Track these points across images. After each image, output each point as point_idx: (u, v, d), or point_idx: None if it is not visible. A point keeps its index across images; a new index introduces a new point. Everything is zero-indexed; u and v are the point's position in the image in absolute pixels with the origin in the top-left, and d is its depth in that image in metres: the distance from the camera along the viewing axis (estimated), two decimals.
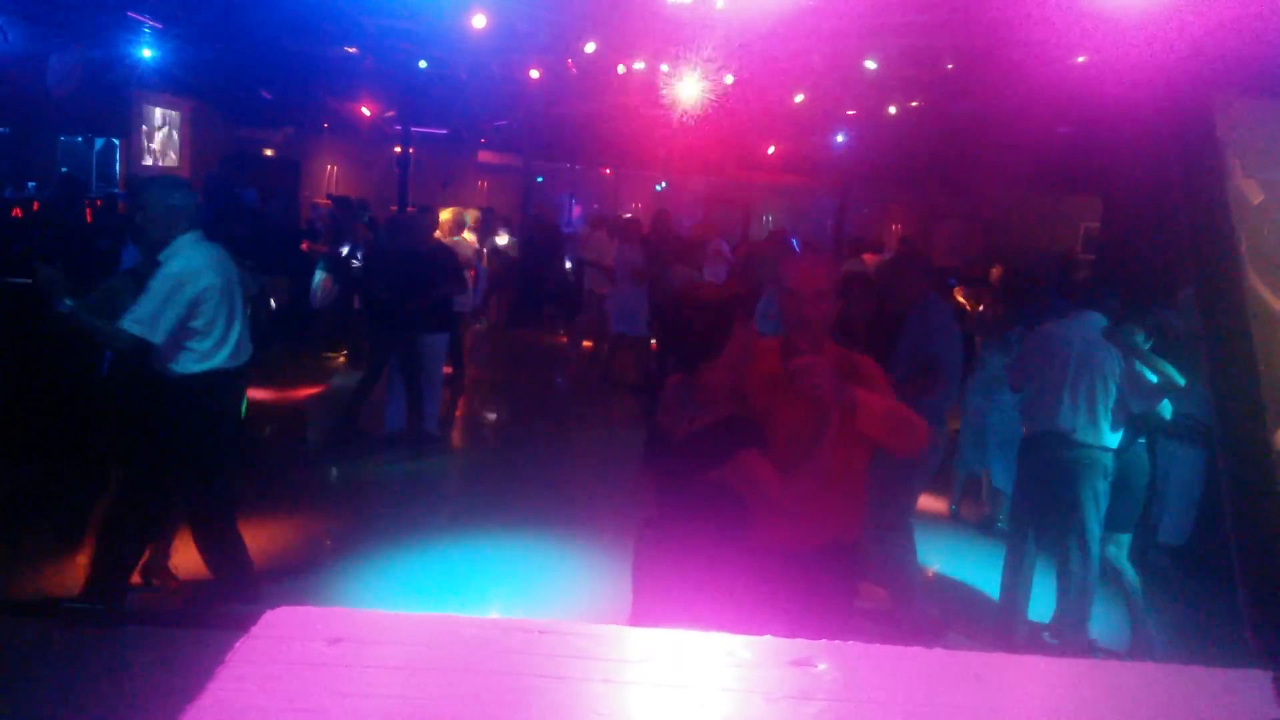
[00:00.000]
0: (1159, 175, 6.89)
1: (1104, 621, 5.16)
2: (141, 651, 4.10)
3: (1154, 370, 4.63)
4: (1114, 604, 5.16)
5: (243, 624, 1.77)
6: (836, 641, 1.87)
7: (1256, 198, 3.89)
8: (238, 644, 1.69)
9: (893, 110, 14.12)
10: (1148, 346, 4.72)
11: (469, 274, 10.16)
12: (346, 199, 12.54)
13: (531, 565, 5.58)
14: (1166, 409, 4.73)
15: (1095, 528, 4.80)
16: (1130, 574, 4.95)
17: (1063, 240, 17.22)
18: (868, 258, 11.00)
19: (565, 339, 13.87)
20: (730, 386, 2.86)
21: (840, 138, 17.75)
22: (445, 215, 10.13)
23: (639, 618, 2.87)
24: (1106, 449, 4.79)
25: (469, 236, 10.76)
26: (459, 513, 6.47)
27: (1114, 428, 4.80)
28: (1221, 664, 1.92)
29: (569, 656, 1.75)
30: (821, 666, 1.77)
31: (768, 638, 1.88)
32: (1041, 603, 5.16)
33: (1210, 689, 1.85)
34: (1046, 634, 5.08)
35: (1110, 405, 4.76)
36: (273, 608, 1.83)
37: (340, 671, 1.64)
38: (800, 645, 1.85)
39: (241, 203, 14.66)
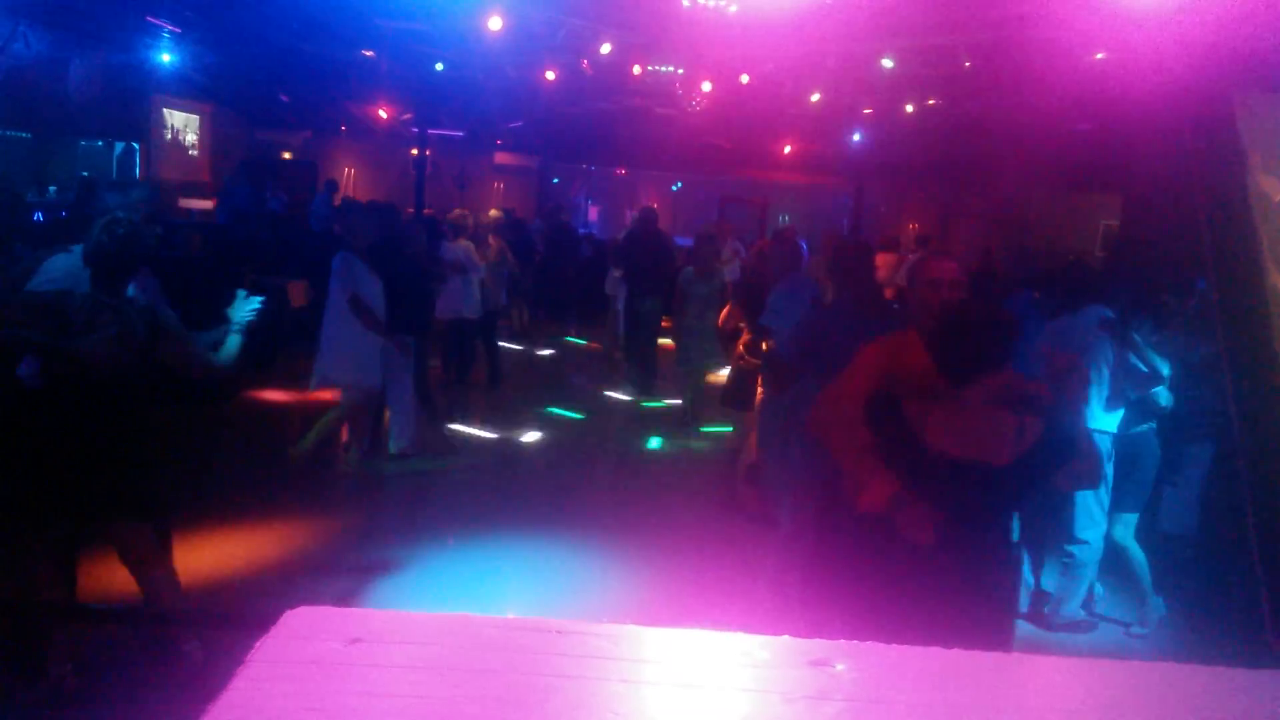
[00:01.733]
0: (1179, 172, 6.84)
1: (1113, 598, 5.33)
2: (161, 651, 4.12)
3: (1144, 361, 4.82)
4: (1123, 581, 5.27)
5: (262, 624, 1.77)
6: (854, 641, 1.86)
7: (1278, 194, 3.86)
8: (257, 644, 1.70)
9: (910, 109, 14.06)
10: (1155, 336, 4.92)
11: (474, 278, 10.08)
12: (357, 202, 12.56)
13: (549, 566, 5.58)
14: (1163, 395, 4.90)
15: (1095, 508, 4.96)
16: (1136, 552, 5.12)
17: (1083, 237, 17.09)
18: (883, 257, 10.91)
19: (599, 345, 13.77)
20: (997, 394, 2.80)
21: (857, 137, 17.70)
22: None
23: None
24: (1104, 432, 4.94)
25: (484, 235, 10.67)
26: (477, 514, 6.48)
27: (1109, 410, 4.97)
28: (1236, 662, 1.90)
29: (586, 656, 1.75)
30: (839, 667, 1.76)
31: (785, 638, 1.87)
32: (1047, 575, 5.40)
33: (1230, 689, 1.83)
34: (1050, 611, 5.19)
35: (1105, 392, 4.94)
36: (292, 607, 1.84)
37: (359, 671, 1.65)
38: (818, 645, 1.84)
39: (262, 207, 14.74)
